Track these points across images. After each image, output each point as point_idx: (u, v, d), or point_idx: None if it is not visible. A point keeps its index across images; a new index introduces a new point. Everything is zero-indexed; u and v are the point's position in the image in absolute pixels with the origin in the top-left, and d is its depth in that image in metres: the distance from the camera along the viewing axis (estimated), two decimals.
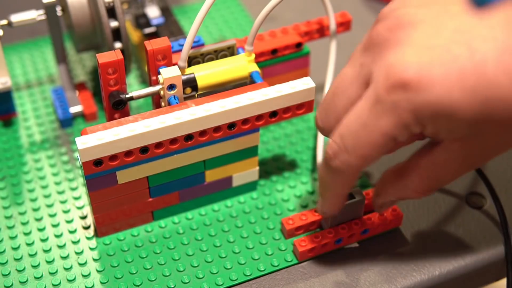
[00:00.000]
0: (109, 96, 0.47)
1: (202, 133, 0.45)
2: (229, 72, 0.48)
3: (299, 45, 0.53)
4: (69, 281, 0.46)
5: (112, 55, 0.46)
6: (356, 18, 0.66)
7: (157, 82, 0.47)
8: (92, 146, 0.42)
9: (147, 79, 0.52)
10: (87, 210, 0.50)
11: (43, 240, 0.48)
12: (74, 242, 0.48)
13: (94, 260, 0.47)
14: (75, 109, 0.56)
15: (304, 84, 0.46)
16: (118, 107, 0.47)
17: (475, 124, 0.37)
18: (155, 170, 0.47)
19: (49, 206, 0.50)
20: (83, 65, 0.61)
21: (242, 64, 0.48)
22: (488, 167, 0.54)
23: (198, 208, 0.50)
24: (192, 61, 0.49)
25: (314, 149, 0.55)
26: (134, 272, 0.47)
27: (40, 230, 0.49)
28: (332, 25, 0.53)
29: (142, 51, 0.58)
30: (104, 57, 0.45)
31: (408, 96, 0.37)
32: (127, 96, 0.47)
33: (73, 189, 0.52)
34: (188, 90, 0.47)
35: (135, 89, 0.59)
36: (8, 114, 0.56)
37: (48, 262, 0.47)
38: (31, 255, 0.48)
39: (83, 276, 0.47)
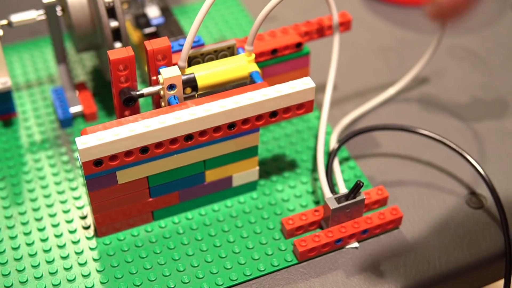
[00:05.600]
0: (119, 93, 0.47)
1: (202, 133, 0.45)
2: (229, 72, 0.48)
3: (299, 45, 0.53)
4: (69, 281, 0.46)
5: (123, 51, 0.46)
6: (356, 18, 0.66)
7: (157, 82, 0.47)
8: (92, 146, 0.42)
9: (147, 79, 0.52)
10: (87, 210, 0.50)
11: (43, 240, 0.48)
12: (74, 242, 0.48)
13: (94, 260, 0.47)
14: (75, 109, 0.56)
15: (304, 84, 0.46)
16: (129, 104, 0.47)
17: None
18: (155, 170, 0.47)
19: (49, 206, 0.50)
20: (83, 65, 0.61)
21: (242, 64, 0.48)
22: (488, 167, 0.54)
23: (198, 208, 0.50)
24: (192, 61, 0.49)
25: (314, 149, 0.55)
26: (134, 272, 0.47)
27: (40, 230, 0.49)
28: (335, 21, 0.53)
29: (142, 51, 0.58)
30: (115, 54, 0.45)
31: None
32: (137, 93, 0.47)
33: (73, 189, 0.52)
34: (188, 90, 0.47)
35: None
36: (8, 114, 0.56)
37: (48, 262, 0.47)
38: (31, 255, 0.48)
39: (83, 276, 0.47)
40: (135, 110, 0.48)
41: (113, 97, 0.48)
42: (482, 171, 0.50)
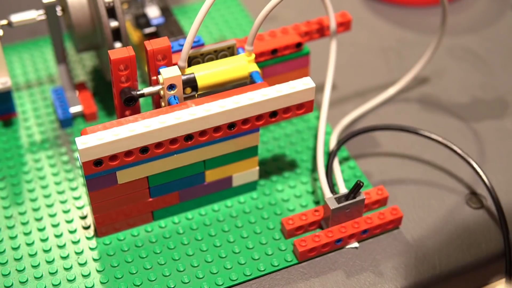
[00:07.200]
0: (120, 93, 0.47)
1: (202, 133, 0.45)
2: (229, 72, 0.48)
3: (299, 45, 0.53)
4: (69, 281, 0.46)
5: (123, 51, 0.46)
6: (356, 18, 0.66)
7: (157, 82, 0.47)
8: (92, 146, 0.42)
9: (147, 79, 0.52)
10: (87, 210, 0.50)
11: (43, 240, 0.48)
12: (74, 242, 0.48)
13: (94, 260, 0.47)
14: (75, 109, 0.56)
15: (304, 84, 0.46)
16: (130, 104, 0.47)
17: None
18: (155, 170, 0.47)
19: (49, 206, 0.50)
20: (83, 65, 0.61)
21: (242, 64, 0.48)
22: (488, 167, 0.54)
23: (198, 208, 0.50)
24: (192, 61, 0.49)
25: (314, 149, 0.55)
26: (134, 272, 0.47)
27: (40, 230, 0.49)
28: (332, 25, 0.53)
29: (142, 51, 0.58)
30: (115, 54, 0.45)
31: None
32: (138, 92, 0.47)
33: (73, 189, 0.52)
34: (188, 90, 0.47)
35: None
36: (8, 114, 0.56)
37: (48, 262, 0.47)
38: (31, 255, 0.48)
39: (83, 276, 0.47)
40: (136, 110, 0.48)
41: (113, 97, 0.48)
42: (481, 173, 0.50)
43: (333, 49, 0.54)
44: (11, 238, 0.49)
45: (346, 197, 0.48)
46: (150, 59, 0.47)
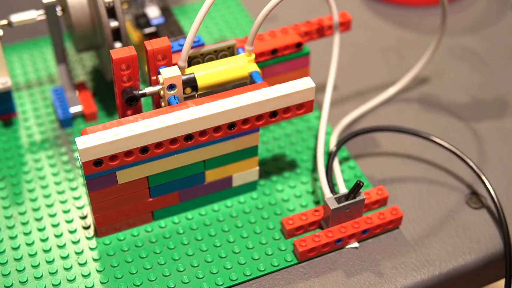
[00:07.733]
0: (122, 92, 0.47)
1: (202, 133, 0.45)
2: (229, 72, 0.48)
3: (299, 45, 0.53)
4: (69, 281, 0.46)
5: (125, 51, 0.46)
6: (356, 18, 0.66)
7: (157, 82, 0.47)
8: (92, 146, 0.42)
9: (147, 79, 0.52)
10: (87, 210, 0.50)
11: (43, 240, 0.48)
12: (74, 242, 0.48)
13: (94, 260, 0.47)
14: (75, 109, 0.56)
15: (304, 84, 0.46)
16: (131, 103, 0.47)
17: None
18: (155, 170, 0.47)
19: (49, 206, 0.50)
20: (83, 65, 0.61)
21: (242, 64, 0.48)
22: (488, 167, 0.54)
23: (198, 208, 0.50)
24: (192, 61, 0.49)
25: (314, 149, 0.55)
26: (134, 272, 0.47)
27: (40, 230, 0.49)
28: (335, 21, 0.53)
29: (142, 51, 0.58)
30: (117, 53, 0.45)
31: None
32: (140, 92, 0.47)
33: (73, 189, 0.52)
34: (188, 90, 0.47)
35: None
36: (8, 114, 0.56)
37: (48, 262, 0.47)
38: (31, 255, 0.48)
39: (83, 276, 0.47)
40: (137, 110, 0.48)
41: (115, 96, 0.48)
42: (481, 174, 0.50)
43: (336, 45, 0.54)
44: (11, 238, 0.49)
45: (346, 197, 0.48)
46: (150, 59, 0.47)
